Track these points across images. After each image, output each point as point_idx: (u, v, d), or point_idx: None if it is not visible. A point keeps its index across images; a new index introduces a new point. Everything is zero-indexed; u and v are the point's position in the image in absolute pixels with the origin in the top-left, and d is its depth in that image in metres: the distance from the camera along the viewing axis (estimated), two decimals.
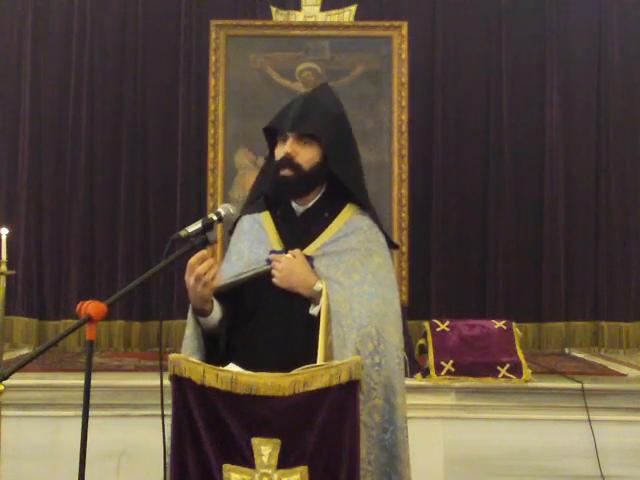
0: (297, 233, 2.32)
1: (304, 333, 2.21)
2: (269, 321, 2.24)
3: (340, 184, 2.35)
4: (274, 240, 2.32)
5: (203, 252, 2.14)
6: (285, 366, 2.05)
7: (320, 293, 2.21)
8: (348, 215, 2.36)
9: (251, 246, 2.31)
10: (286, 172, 2.26)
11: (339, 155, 2.33)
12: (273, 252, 2.29)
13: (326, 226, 2.33)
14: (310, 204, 2.35)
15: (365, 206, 2.40)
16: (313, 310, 2.23)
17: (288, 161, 2.26)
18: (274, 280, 2.24)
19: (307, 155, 2.28)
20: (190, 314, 2.26)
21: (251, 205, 2.45)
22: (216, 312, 2.25)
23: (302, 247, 2.29)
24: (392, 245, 2.46)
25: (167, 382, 2.03)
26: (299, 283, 2.23)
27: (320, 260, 2.28)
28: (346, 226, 2.34)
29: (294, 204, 2.35)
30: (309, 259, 2.28)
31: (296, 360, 2.11)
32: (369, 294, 2.25)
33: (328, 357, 2.13)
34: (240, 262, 2.33)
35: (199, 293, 2.15)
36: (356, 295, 2.23)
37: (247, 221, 2.41)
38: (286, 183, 2.27)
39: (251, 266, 2.30)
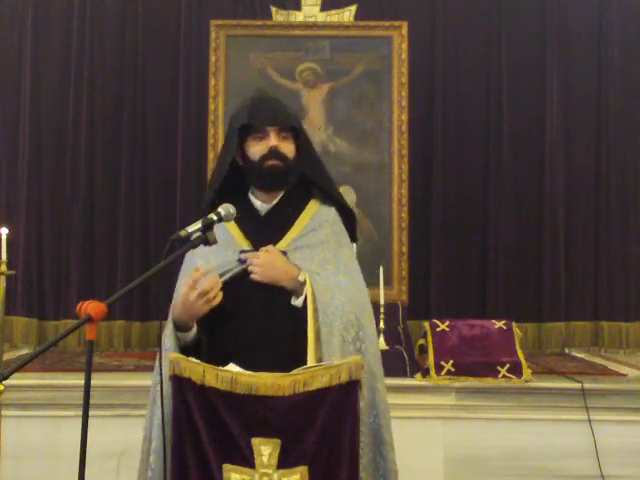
0: (264, 231, 2.33)
1: (289, 325, 2.23)
2: (252, 318, 2.24)
3: (301, 181, 2.39)
4: (241, 241, 2.32)
5: (207, 266, 2.17)
6: (275, 361, 2.08)
7: (303, 284, 2.24)
8: (313, 210, 2.40)
9: (217, 250, 2.25)
10: (274, 162, 2.28)
11: (308, 149, 2.39)
12: (243, 251, 2.30)
13: (292, 222, 2.36)
14: (274, 202, 2.37)
15: (332, 198, 2.44)
16: (296, 301, 2.25)
17: (275, 153, 2.28)
18: (253, 276, 2.24)
19: (288, 148, 2.32)
20: (171, 330, 2.21)
21: (205, 209, 2.37)
22: (194, 326, 2.24)
23: (271, 244, 2.30)
24: (354, 239, 2.50)
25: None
26: (282, 276, 2.24)
27: (294, 254, 2.30)
28: (313, 220, 2.38)
29: (258, 203, 2.36)
30: (283, 254, 2.30)
31: (284, 353, 2.16)
32: (345, 283, 2.30)
33: (317, 345, 2.16)
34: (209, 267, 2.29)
35: (198, 309, 2.16)
36: (334, 284, 2.27)
37: None
38: (275, 173, 2.29)
39: (223, 268, 2.29)
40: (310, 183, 2.41)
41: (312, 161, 2.41)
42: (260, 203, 2.36)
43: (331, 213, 2.42)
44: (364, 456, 2.21)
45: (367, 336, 2.29)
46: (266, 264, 2.24)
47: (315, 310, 2.20)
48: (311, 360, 2.13)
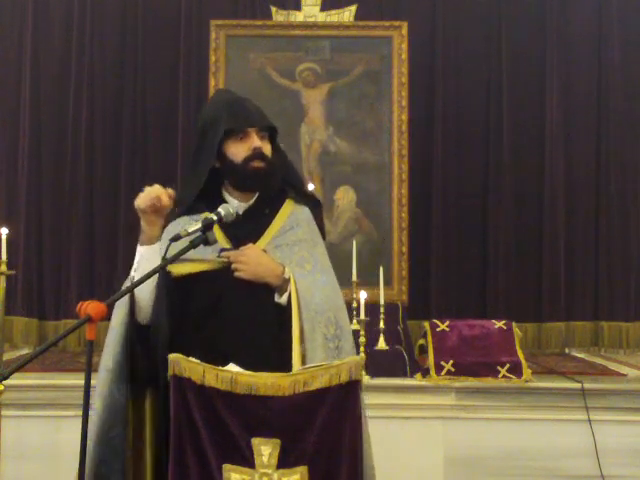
0: (243, 230, 2.32)
1: (271, 322, 2.24)
2: (234, 315, 2.23)
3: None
4: (220, 238, 2.31)
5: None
6: (257, 357, 2.10)
7: (287, 281, 2.25)
8: (290, 209, 2.41)
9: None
10: (259, 164, 2.29)
11: (278, 147, 2.40)
12: (223, 250, 2.29)
13: (270, 221, 2.37)
14: (252, 201, 2.37)
15: (304, 196, 2.47)
16: (281, 299, 2.25)
17: (259, 154, 2.29)
18: (238, 274, 2.24)
19: (267, 148, 2.34)
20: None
21: (185, 209, 2.38)
22: (156, 251, 2.24)
23: (251, 243, 2.30)
24: (324, 236, 2.52)
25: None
26: (267, 272, 2.25)
27: (274, 253, 2.31)
28: (289, 219, 2.39)
29: (235, 202, 2.34)
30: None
31: (266, 349, 2.17)
32: (322, 282, 2.32)
33: (301, 342, 2.18)
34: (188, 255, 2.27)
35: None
36: (312, 283, 2.29)
37: (187, 223, 2.34)
38: (260, 175, 2.30)
39: (201, 261, 2.27)
40: (284, 182, 2.42)
41: (282, 159, 2.42)
42: (237, 202, 2.35)
43: (305, 212, 2.43)
44: None
45: (343, 334, 2.31)
46: (252, 261, 2.24)
47: (299, 307, 2.22)
48: (296, 356, 2.15)
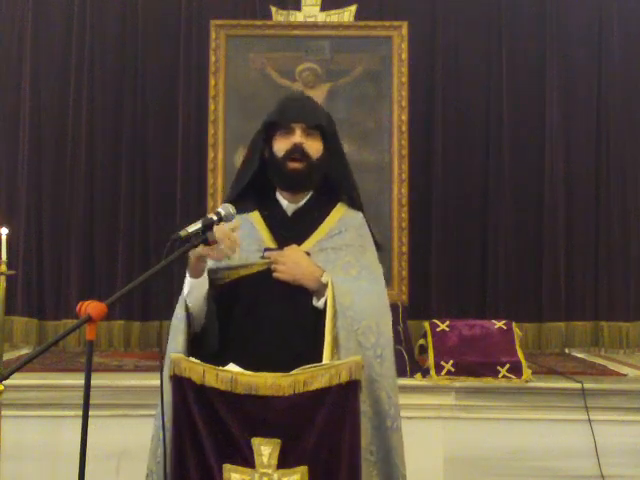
0: (290, 231, 2.34)
1: (307, 326, 2.23)
2: (271, 316, 2.24)
3: (328, 184, 2.39)
4: (267, 238, 2.33)
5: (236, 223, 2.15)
6: (291, 360, 2.08)
7: (325, 285, 2.23)
8: (340, 213, 2.41)
9: (242, 243, 2.26)
10: (296, 165, 2.28)
11: (336, 150, 2.39)
12: (267, 249, 2.30)
13: (318, 224, 2.36)
14: (301, 203, 2.38)
15: (357, 204, 2.45)
16: (319, 302, 2.25)
17: (299, 150, 2.28)
18: (277, 275, 2.25)
19: (314, 146, 2.31)
20: (184, 296, 2.25)
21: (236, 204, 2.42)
22: (205, 279, 2.24)
23: (296, 244, 2.31)
24: (378, 246, 2.49)
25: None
26: (306, 275, 2.25)
27: (317, 256, 2.31)
28: (339, 223, 2.38)
29: (285, 203, 2.36)
30: (306, 254, 2.30)
31: (299, 353, 2.15)
32: (366, 289, 2.30)
33: (334, 348, 2.16)
34: (231, 259, 2.30)
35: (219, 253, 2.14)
36: (355, 289, 2.27)
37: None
38: (296, 175, 2.29)
39: (246, 262, 2.29)
40: (337, 185, 2.41)
41: (339, 164, 2.40)
42: (287, 203, 2.37)
43: (358, 217, 2.43)
44: (379, 461, 2.23)
45: (386, 342, 2.31)
46: (291, 262, 2.25)
47: (334, 313, 2.19)
48: (326, 362, 2.13)
